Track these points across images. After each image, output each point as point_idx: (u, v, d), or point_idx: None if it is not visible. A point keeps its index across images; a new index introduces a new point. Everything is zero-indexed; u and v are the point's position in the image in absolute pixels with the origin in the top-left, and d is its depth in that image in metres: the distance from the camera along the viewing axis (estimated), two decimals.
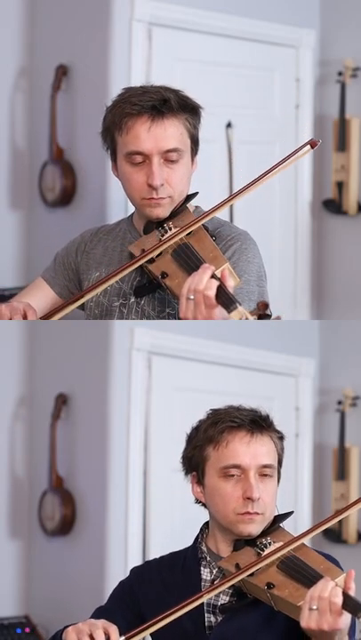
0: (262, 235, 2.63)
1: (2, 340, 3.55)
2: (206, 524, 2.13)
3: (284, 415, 3.84)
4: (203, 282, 2.09)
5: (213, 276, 2.10)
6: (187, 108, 2.31)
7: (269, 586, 1.96)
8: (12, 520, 3.58)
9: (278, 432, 2.11)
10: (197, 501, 2.13)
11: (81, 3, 3.55)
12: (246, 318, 2.01)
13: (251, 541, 2.05)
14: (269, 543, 2.03)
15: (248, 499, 2.03)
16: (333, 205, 3.99)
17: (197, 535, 2.14)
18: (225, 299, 2.06)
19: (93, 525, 3.40)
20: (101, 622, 1.95)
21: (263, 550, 2.02)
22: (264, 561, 1.99)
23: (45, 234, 3.63)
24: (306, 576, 1.94)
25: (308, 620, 1.86)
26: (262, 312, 2.01)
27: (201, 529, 2.14)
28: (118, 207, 3.35)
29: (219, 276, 2.11)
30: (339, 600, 1.85)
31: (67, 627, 1.97)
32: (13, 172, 3.67)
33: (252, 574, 1.99)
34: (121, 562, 3.33)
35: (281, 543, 2.02)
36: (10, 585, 3.57)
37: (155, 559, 2.19)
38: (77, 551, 3.46)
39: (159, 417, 3.45)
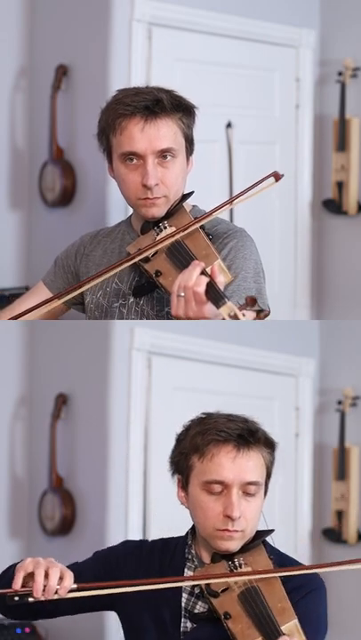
0: (262, 235, 2.64)
1: (2, 340, 3.55)
2: None
3: (284, 415, 3.84)
4: (192, 278, 2.10)
5: (204, 273, 2.11)
6: (180, 108, 2.31)
7: (226, 616, 1.96)
8: (12, 520, 3.58)
9: (269, 445, 2.07)
10: (182, 504, 2.12)
11: (81, 3, 3.55)
12: (235, 314, 2.01)
13: (228, 556, 2.03)
14: (240, 565, 2.02)
15: (228, 516, 2.00)
16: (333, 205, 3.99)
17: (189, 532, 2.13)
18: (214, 294, 2.07)
19: (93, 525, 3.40)
20: (60, 565, 1.96)
21: (234, 570, 2.01)
22: (223, 578, 1.98)
23: (45, 234, 3.63)
24: (258, 617, 1.94)
25: None
26: (251, 307, 2.01)
27: (192, 527, 2.12)
28: (118, 207, 3.35)
29: (209, 272, 2.12)
30: None
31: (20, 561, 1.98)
32: (13, 171, 3.67)
33: (217, 595, 1.98)
34: None
35: (249, 569, 2.01)
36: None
37: (147, 542, 2.17)
38: (77, 551, 3.44)
39: (159, 417, 3.45)
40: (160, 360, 3.46)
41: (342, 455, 3.80)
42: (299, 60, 3.98)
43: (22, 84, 3.67)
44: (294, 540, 3.78)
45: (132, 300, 2.36)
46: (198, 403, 3.56)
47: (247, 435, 2.03)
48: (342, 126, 3.92)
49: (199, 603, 2.04)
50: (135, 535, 3.36)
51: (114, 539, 3.32)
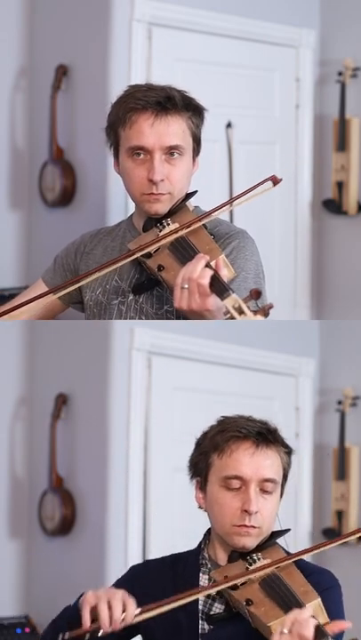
0: (262, 235, 2.64)
1: (2, 340, 3.55)
2: (210, 529, 2.13)
3: (284, 415, 3.84)
4: (197, 270, 2.11)
5: (208, 266, 2.12)
6: (190, 107, 2.33)
7: (248, 602, 1.97)
8: (12, 520, 3.58)
9: (286, 447, 2.09)
10: (200, 507, 2.13)
11: (81, 3, 3.55)
12: (239, 305, 2.02)
13: (244, 554, 2.04)
14: (258, 559, 2.03)
15: (245, 511, 2.02)
16: (333, 205, 3.99)
17: (201, 540, 2.14)
18: (218, 286, 2.08)
19: (93, 525, 3.40)
20: (121, 593, 1.96)
21: (251, 565, 2.02)
22: (246, 576, 2.00)
23: (45, 234, 3.63)
24: (282, 597, 1.95)
25: None
26: (255, 299, 2.02)
27: (205, 534, 2.13)
28: (118, 207, 3.36)
29: (213, 266, 2.12)
30: (309, 633, 1.86)
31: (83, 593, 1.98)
32: (13, 171, 3.67)
33: (236, 588, 1.99)
34: (121, 562, 3.33)
35: (268, 561, 2.02)
36: (10, 585, 3.57)
37: (155, 559, 2.19)
38: (77, 551, 3.46)
39: (159, 417, 3.46)
40: (160, 360, 3.46)
41: (342, 455, 3.80)
42: (299, 60, 3.98)
43: (22, 83, 3.67)
44: (294, 540, 3.78)
45: (131, 297, 2.37)
46: (198, 403, 3.59)
47: (266, 432, 2.06)
48: (342, 126, 3.92)
49: (215, 604, 2.06)
50: (135, 534, 3.36)
51: (114, 539, 3.33)
